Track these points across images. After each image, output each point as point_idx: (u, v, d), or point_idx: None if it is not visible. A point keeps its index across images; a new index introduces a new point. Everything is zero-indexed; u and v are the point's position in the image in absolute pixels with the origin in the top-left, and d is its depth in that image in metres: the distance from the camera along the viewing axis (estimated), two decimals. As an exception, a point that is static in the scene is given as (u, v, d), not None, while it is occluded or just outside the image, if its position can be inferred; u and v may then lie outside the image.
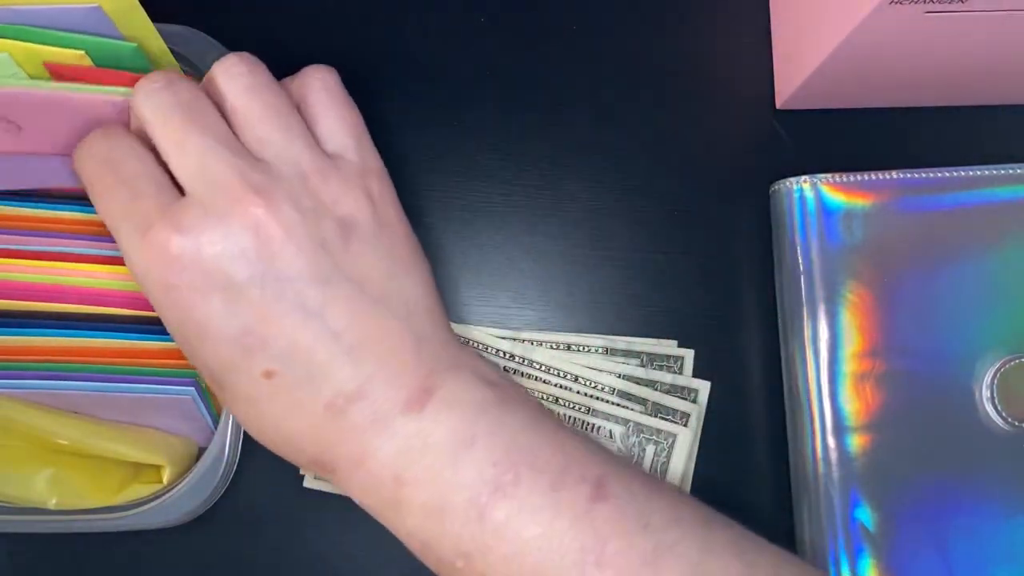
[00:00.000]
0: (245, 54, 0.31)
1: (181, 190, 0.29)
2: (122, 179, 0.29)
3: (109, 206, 0.29)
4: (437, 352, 0.30)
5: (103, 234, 0.37)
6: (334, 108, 0.32)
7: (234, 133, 0.30)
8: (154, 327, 0.36)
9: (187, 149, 0.29)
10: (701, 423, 0.39)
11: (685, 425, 0.38)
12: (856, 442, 0.37)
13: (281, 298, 0.28)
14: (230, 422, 0.37)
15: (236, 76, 0.30)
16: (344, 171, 0.30)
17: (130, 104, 0.30)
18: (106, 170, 0.30)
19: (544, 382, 0.39)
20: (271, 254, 0.28)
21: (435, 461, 0.28)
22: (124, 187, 0.29)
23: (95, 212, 0.37)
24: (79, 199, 0.37)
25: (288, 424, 0.29)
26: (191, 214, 0.28)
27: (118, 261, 0.37)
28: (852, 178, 0.38)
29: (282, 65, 0.41)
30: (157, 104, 0.29)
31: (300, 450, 0.30)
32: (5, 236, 0.36)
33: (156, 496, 0.36)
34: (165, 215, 0.28)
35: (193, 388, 0.36)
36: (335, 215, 0.29)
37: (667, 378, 0.39)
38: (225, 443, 0.37)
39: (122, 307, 0.36)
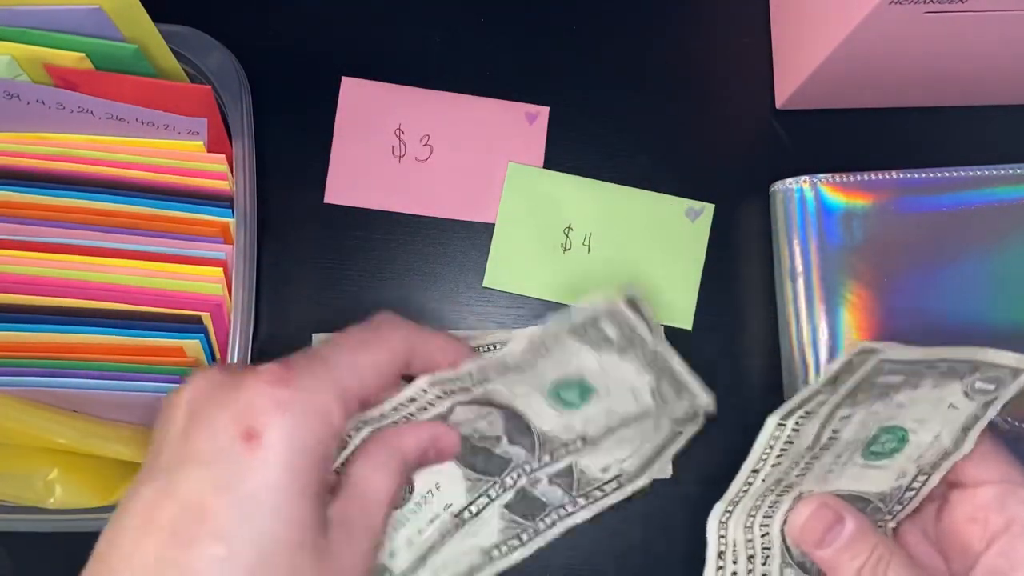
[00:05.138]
0: None
1: None
2: None
3: None
4: None
5: (108, 225, 0.37)
6: None
7: None
8: (156, 323, 0.36)
9: None
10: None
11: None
12: (856, 442, 0.37)
13: None
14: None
15: None
16: None
17: None
18: None
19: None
20: None
21: None
22: None
23: (101, 200, 0.37)
24: (84, 185, 0.37)
25: None
26: None
27: (123, 254, 0.37)
28: (852, 178, 0.38)
29: (282, 65, 0.42)
30: None
31: None
32: (4, 225, 0.36)
33: (155, 495, 0.36)
34: None
35: (192, 387, 0.36)
36: None
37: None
38: (225, 443, 0.37)
39: (125, 302, 0.36)
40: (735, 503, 0.32)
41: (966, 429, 0.31)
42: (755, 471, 0.31)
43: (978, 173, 0.38)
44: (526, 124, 0.41)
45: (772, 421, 0.30)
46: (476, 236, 0.41)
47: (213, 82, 0.39)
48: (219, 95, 0.39)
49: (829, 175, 0.38)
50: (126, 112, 0.36)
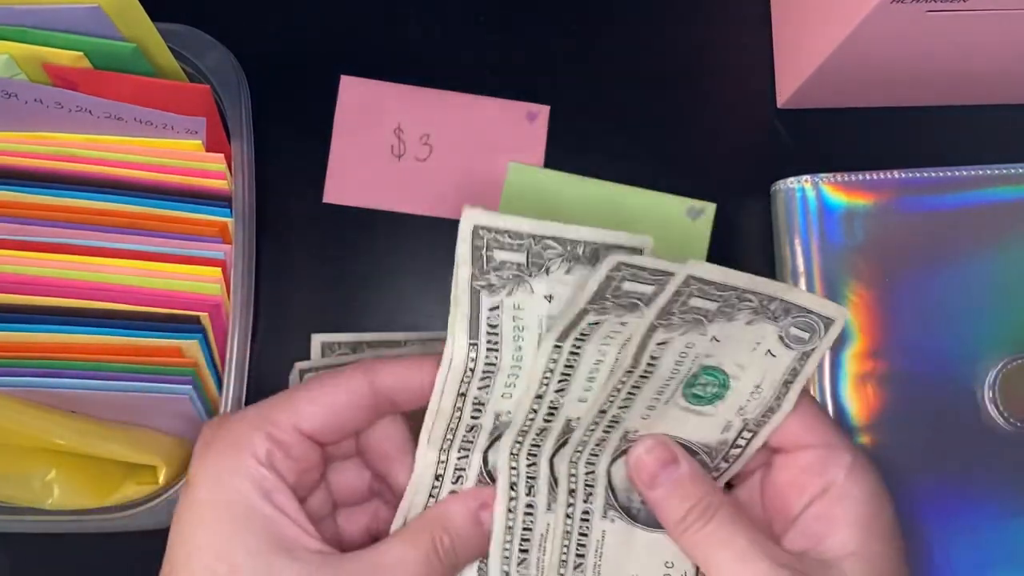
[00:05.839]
0: None
1: None
2: None
3: None
4: None
5: (106, 224, 0.37)
6: None
7: None
8: (154, 323, 0.36)
9: None
10: None
11: None
12: (858, 442, 0.37)
13: None
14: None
15: None
16: None
17: None
18: None
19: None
20: None
21: None
22: None
23: (99, 200, 0.37)
24: (82, 185, 0.37)
25: None
26: None
27: (121, 254, 0.37)
28: (853, 178, 0.38)
29: (281, 63, 0.42)
30: None
31: None
32: (2, 224, 0.36)
33: (153, 497, 0.36)
34: None
35: (190, 387, 0.36)
36: None
37: None
38: (223, 443, 0.36)
39: (122, 302, 0.36)
40: (524, 433, 0.30)
41: (787, 383, 0.30)
42: (539, 397, 0.30)
43: (979, 173, 0.38)
44: (526, 124, 0.41)
45: (548, 344, 0.29)
46: (476, 236, 0.41)
47: (212, 81, 0.39)
48: (218, 94, 0.39)
49: (831, 174, 0.38)
50: (125, 111, 0.36)
